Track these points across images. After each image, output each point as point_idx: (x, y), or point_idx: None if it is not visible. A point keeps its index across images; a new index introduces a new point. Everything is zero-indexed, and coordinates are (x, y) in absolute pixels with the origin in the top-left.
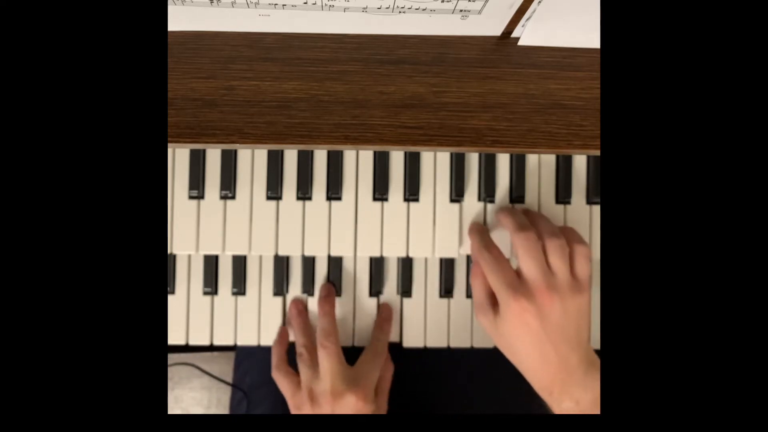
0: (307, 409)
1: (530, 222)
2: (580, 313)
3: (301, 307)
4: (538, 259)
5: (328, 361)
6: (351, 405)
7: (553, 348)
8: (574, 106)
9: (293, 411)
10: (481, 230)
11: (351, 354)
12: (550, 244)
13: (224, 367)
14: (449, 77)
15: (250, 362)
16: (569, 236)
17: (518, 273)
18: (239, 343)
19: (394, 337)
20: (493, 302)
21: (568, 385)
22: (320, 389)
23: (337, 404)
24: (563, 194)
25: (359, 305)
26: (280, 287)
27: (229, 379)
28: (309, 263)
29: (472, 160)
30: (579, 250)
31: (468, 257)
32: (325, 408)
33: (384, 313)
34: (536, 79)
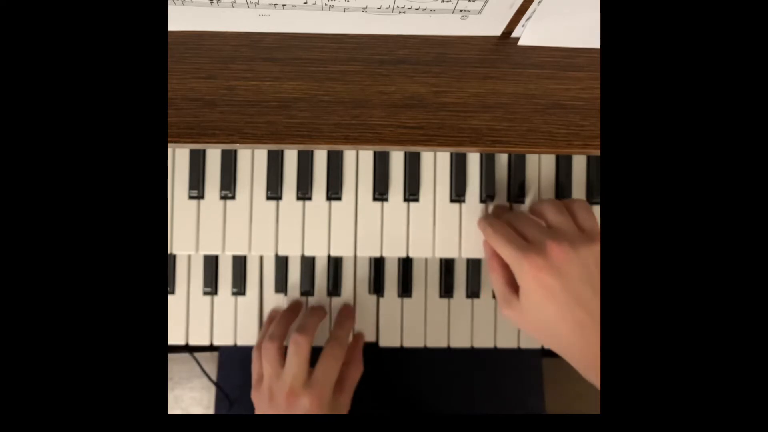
0: (264, 406)
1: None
2: (599, 261)
3: (296, 306)
4: (538, 223)
5: (296, 357)
6: (305, 407)
7: (582, 308)
8: (574, 106)
9: (254, 398)
10: (485, 216)
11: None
12: (543, 206)
13: None
14: (449, 77)
15: (232, 363)
16: (563, 201)
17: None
18: (239, 343)
19: (394, 338)
20: (514, 289)
21: None
22: (278, 388)
23: (292, 405)
24: (563, 194)
25: (359, 305)
26: (280, 287)
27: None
28: (309, 263)
29: (472, 160)
30: (577, 204)
31: (468, 260)
32: (281, 407)
33: (344, 310)
34: (536, 79)
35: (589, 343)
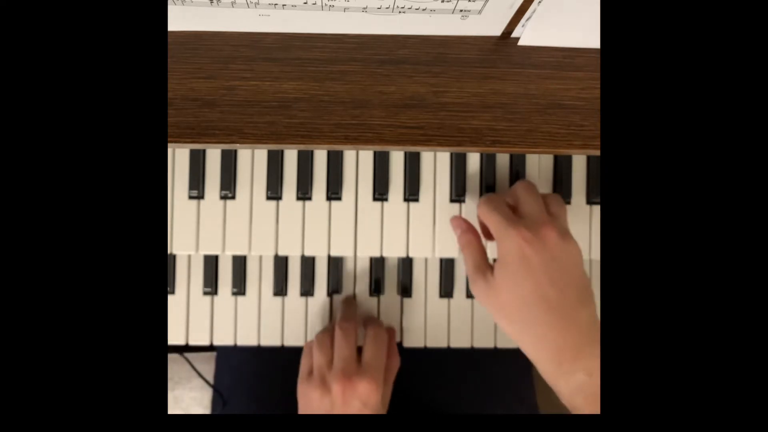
0: (314, 398)
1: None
2: (581, 263)
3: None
4: (539, 201)
5: (344, 341)
6: (361, 390)
7: (557, 292)
8: (574, 106)
9: (302, 391)
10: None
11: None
12: (550, 197)
13: None
14: (449, 77)
15: (229, 363)
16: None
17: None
18: (239, 343)
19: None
20: (488, 264)
21: (580, 349)
22: (332, 376)
23: (349, 392)
24: (563, 194)
25: (359, 305)
26: (280, 287)
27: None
28: (309, 263)
29: (472, 160)
30: (552, 198)
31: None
32: (337, 397)
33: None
34: (536, 79)
35: (555, 327)
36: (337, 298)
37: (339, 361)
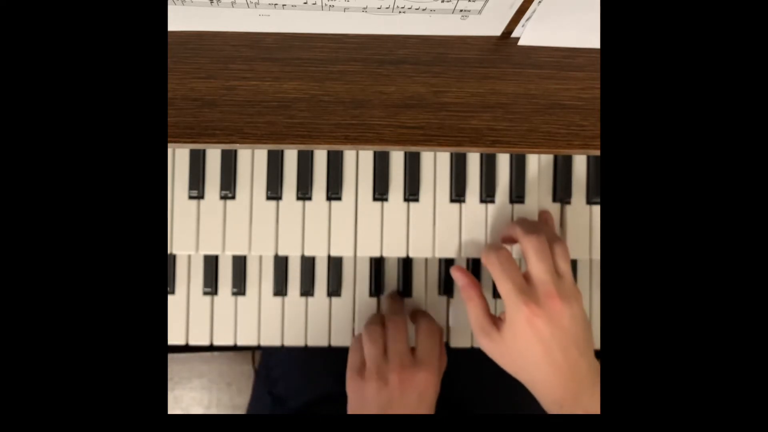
0: (370, 391)
1: (534, 227)
2: (585, 319)
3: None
4: (549, 263)
5: (398, 334)
6: (419, 381)
7: (562, 355)
8: (574, 106)
9: (354, 386)
10: (493, 242)
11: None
12: (558, 248)
13: (223, 367)
14: (449, 77)
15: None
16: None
17: (526, 277)
18: (239, 343)
19: None
20: (493, 320)
21: (578, 395)
22: (388, 368)
23: (407, 382)
24: (563, 194)
25: (359, 305)
26: (280, 287)
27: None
28: (309, 263)
29: (472, 160)
30: (558, 248)
31: (468, 260)
32: (394, 387)
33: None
34: (536, 79)
35: (560, 384)
36: (337, 300)
37: (394, 352)
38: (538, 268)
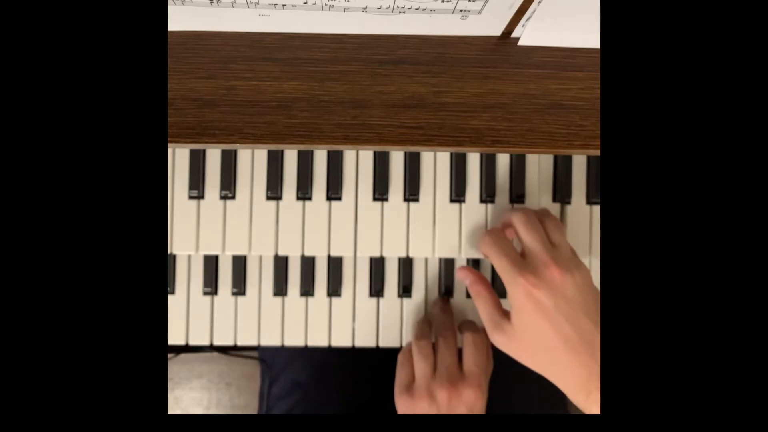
0: (423, 405)
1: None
2: (592, 287)
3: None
4: (540, 233)
5: (447, 350)
6: (467, 397)
7: (573, 329)
8: (574, 106)
9: (404, 401)
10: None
11: (349, 355)
12: (549, 221)
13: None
14: (449, 77)
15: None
16: (536, 213)
17: (521, 254)
18: (239, 343)
19: (394, 338)
20: (504, 313)
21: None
22: (436, 385)
23: (455, 400)
24: (563, 194)
25: (359, 305)
26: (280, 287)
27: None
28: (309, 263)
29: (472, 160)
30: (550, 222)
31: (468, 260)
32: (443, 405)
33: (442, 305)
34: (536, 79)
35: (578, 362)
36: (337, 300)
37: (443, 369)
38: (528, 238)
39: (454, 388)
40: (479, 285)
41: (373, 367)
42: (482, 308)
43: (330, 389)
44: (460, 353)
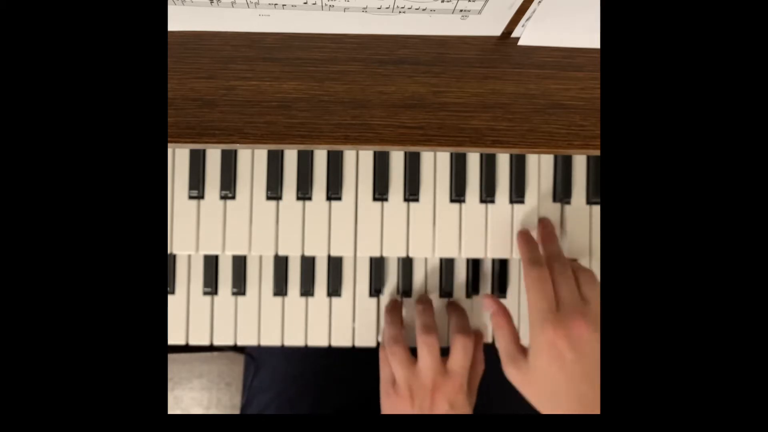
0: (403, 408)
1: (550, 254)
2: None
3: (396, 302)
4: (574, 287)
5: (429, 355)
6: (448, 390)
7: (591, 387)
8: (574, 106)
9: (387, 401)
10: (528, 241)
11: (349, 356)
12: (583, 274)
13: (223, 367)
14: (449, 77)
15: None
16: (571, 264)
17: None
18: (239, 343)
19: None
20: (521, 349)
21: None
22: (418, 386)
23: (436, 397)
24: (563, 194)
25: (359, 305)
26: (280, 287)
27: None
28: (309, 263)
29: (472, 160)
30: (584, 275)
31: (468, 260)
32: (424, 402)
33: (459, 308)
34: (536, 79)
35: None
36: (337, 300)
37: (427, 372)
38: (565, 290)
39: (437, 391)
40: (501, 317)
41: (354, 365)
42: (501, 340)
43: (308, 385)
44: (443, 351)
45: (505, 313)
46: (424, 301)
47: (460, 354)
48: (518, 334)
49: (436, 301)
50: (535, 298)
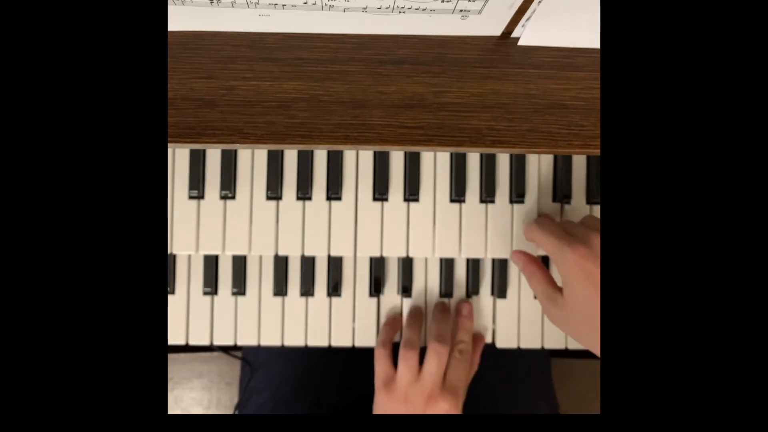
0: (396, 405)
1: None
2: None
3: (420, 310)
4: (579, 223)
5: (437, 365)
6: (443, 408)
7: None
8: (574, 106)
9: (382, 397)
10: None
11: (350, 356)
12: (584, 218)
13: (223, 367)
14: (449, 77)
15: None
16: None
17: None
18: (239, 342)
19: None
20: (557, 288)
21: None
22: (416, 392)
23: (429, 407)
24: (563, 194)
25: (359, 305)
26: (280, 287)
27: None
28: (309, 263)
29: (472, 160)
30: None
31: (468, 260)
32: (417, 408)
33: (464, 311)
34: (536, 79)
35: None
36: (337, 300)
37: (427, 380)
38: (572, 225)
39: (432, 400)
40: (533, 265)
41: (353, 365)
42: (537, 286)
43: (304, 386)
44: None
45: (534, 260)
46: (444, 309)
47: (461, 368)
48: (552, 278)
49: (434, 300)
50: (543, 238)
